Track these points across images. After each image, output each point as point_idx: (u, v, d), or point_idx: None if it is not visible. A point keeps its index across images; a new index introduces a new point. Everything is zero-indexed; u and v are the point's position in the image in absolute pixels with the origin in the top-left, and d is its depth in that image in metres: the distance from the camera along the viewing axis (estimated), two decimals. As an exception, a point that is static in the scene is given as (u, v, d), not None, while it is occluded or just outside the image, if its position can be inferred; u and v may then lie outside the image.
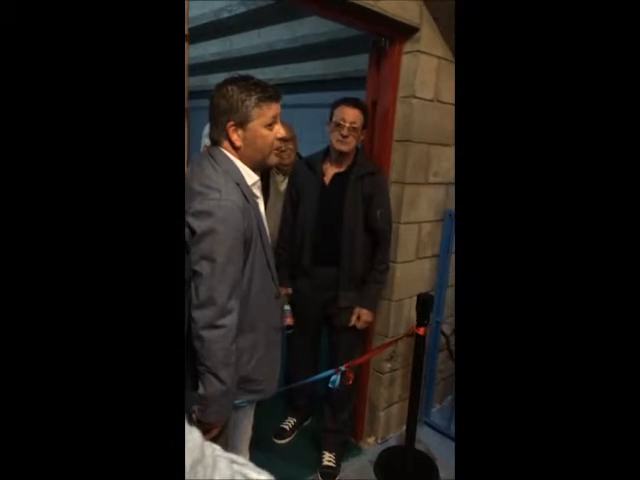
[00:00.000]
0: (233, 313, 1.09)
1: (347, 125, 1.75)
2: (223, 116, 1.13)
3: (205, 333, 1.06)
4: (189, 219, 1.06)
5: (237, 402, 1.22)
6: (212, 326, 1.06)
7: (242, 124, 1.13)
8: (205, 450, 0.36)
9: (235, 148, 1.16)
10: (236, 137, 1.14)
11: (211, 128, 1.18)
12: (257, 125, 1.14)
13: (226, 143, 1.16)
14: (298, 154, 2.26)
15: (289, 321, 1.91)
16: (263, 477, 0.38)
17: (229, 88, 1.11)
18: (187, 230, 1.07)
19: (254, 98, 1.11)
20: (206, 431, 1.13)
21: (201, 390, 1.09)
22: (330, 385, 1.62)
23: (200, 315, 1.06)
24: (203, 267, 1.05)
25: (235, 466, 0.37)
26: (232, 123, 1.13)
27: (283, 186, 2.16)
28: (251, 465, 0.39)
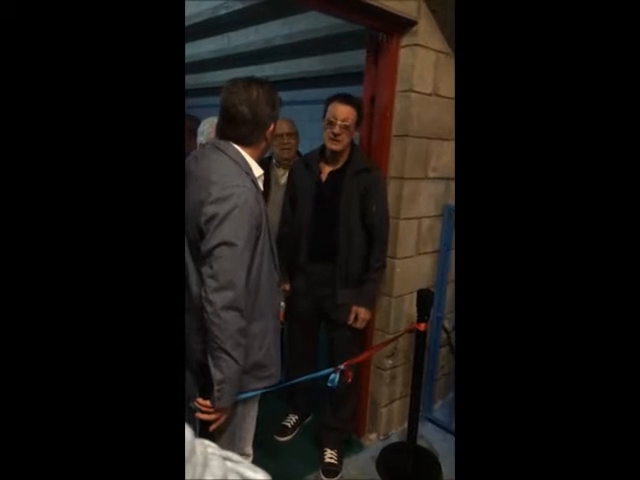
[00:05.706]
0: (245, 297, 1.14)
1: (339, 123, 1.73)
2: (261, 118, 1.19)
3: (225, 314, 1.09)
4: (211, 206, 1.10)
5: (249, 393, 1.24)
6: (232, 308, 1.10)
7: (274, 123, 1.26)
8: (196, 448, 0.35)
9: (250, 143, 1.22)
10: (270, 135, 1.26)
11: (226, 125, 1.22)
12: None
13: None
14: (298, 152, 2.27)
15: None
16: (259, 476, 0.37)
17: (254, 90, 1.17)
18: (204, 218, 1.11)
19: (279, 99, 1.24)
20: (215, 420, 1.17)
21: (218, 375, 1.12)
22: (329, 384, 1.59)
23: (219, 297, 1.09)
24: (223, 251, 1.09)
25: (229, 464, 0.36)
26: (273, 123, 1.24)
27: (283, 179, 2.18)
28: (246, 463, 0.38)
